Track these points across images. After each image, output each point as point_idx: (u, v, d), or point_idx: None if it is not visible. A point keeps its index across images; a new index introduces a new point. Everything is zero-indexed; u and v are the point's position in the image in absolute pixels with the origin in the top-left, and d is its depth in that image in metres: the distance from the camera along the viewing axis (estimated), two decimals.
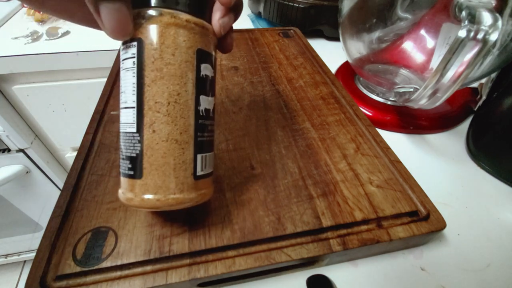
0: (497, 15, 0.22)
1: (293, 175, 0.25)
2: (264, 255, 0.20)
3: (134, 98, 0.16)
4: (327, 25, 0.54)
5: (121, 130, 0.17)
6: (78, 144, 0.28)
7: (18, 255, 0.92)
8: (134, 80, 0.16)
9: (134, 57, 0.16)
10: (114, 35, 0.15)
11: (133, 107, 0.16)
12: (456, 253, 0.24)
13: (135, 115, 0.16)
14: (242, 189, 0.24)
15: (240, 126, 0.30)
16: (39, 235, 0.86)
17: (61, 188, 0.23)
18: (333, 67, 0.46)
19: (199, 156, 0.18)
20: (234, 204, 0.23)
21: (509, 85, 0.34)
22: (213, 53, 0.18)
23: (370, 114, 0.37)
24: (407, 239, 0.22)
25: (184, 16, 0.16)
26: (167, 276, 0.19)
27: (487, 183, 0.31)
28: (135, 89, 0.16)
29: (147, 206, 0.17)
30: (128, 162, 0.17)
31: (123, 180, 0.18)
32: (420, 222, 0.23)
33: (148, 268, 0.19)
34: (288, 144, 0.28)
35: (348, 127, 0.31)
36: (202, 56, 0.17)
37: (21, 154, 0.65)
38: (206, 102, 0.18)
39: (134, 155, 0.17)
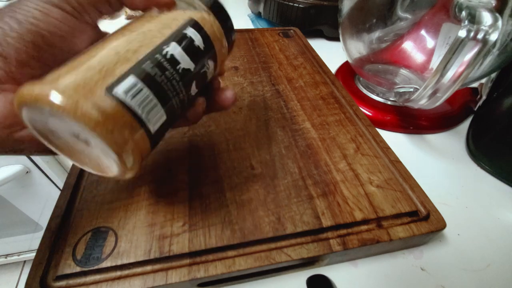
0: (497, 15, 0.22)
1: (293, 175, 0.25)
2: (264, 255, 0.20)
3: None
4: (327, 25, 0.54)
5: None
6: None
7: (18, 255, 0.92)
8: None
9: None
10: None
11: None
12: (456, 253, 0.24)
13: None
14: (242, 189, 0.24)
15: (240, 126, 0.30)
16: (39, 235, 0.86)
17: (61, 188, 0.23)
18: (333, 67, 0.46)
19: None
20: (234, 204, 0.23)
21: (509, 85, 0.34)
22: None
23: (370, 114, 0.37)
24: (407, 239, 0.22)
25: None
26: (167, 276, 0.19)
27: (487, 183, 0.31)
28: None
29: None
30: None
31: None
32: (420, 222, 0.23)
33: (148, 268, 0.19)
34: (288, 144, 0.28)
35: (348, 127, 0.31)
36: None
37: None
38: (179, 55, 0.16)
39: None
